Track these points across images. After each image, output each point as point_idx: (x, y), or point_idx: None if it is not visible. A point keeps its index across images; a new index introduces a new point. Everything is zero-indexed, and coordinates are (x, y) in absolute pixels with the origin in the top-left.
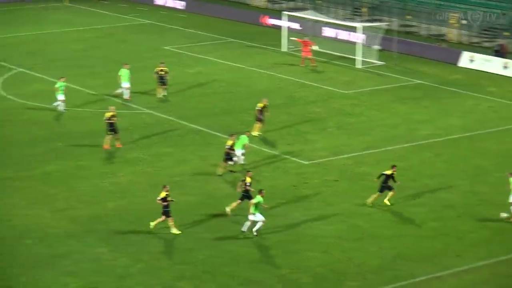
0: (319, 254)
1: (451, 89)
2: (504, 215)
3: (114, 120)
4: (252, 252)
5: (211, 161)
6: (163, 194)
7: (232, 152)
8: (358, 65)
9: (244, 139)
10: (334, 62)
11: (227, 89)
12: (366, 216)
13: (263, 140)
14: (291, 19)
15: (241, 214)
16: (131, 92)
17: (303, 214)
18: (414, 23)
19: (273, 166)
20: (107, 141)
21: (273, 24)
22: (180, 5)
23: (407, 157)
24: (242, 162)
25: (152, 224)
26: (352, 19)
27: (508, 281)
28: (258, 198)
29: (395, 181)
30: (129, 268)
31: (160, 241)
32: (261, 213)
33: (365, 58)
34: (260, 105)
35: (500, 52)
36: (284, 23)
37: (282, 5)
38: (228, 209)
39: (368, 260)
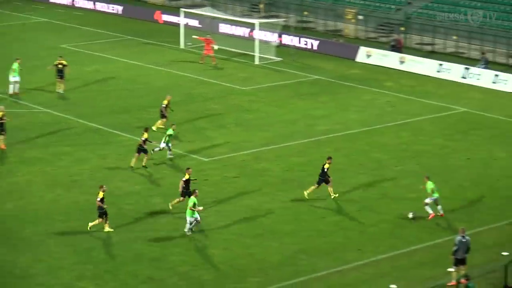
0: (220, 251)
1: (349, 84)
2: (411, 215)
3: (4, 120)
4: (153, 250)
5: (110, 160)
6: (101, 195)
7: (145, 145)
8: (256, 62)
9: (170, 132)
10: (233, 58)
11: (125, 87)
12: (266, 212)
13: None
14: (189, 16)
15: (143, 211)
16: (25, 89)
17: (203, 211)
18: (311, 19)
19: (173, 164)
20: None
21: (166, 21)
22: (77, 3)
23: (306, 152)
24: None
25: (90, 224)
26: (249, 16)
27: (408, 274)
28: (192, 199)
29: (327, 174)
30: (29, 269)
31: (60, 241)
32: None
33: (263, 55)
34: (165, 102)
35: (396, 47)
36: (179, 20)
37: (180, 1)
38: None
39: (269, 255)
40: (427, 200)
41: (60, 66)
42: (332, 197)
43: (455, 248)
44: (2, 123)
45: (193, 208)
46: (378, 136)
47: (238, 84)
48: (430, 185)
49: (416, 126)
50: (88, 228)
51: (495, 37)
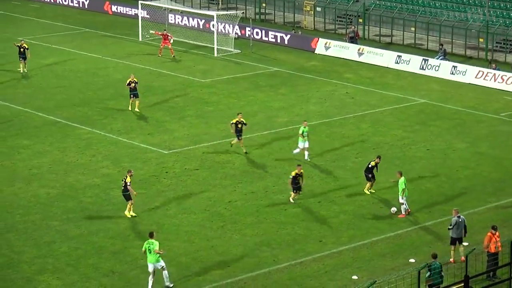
0: (182, 244)
1: (308, 76)
2: (394, 209)
3: None
4: (115, 243)
5: (70, 153)
6: (128, 180)
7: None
8: (215, 54)
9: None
10: (191, 51)
11: (84, 80)
12: (227, 204)
13: (124, 130)
14: (146, 7)
15: (103, 204)
16: None
17: (164, 204)
18: (269, 11)
19: (133, 156)
20: None
21: (116, 12)
22: None
23: (266, 144)
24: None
25: (127, 213)
26: (208, 8)
27: (369, 264)
28: (155, 244)
29: (377, 171)
30: None
31: (19, 235)
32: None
33: (222, 47)
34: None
35: (354, 39)
36: (128, 10)
37: None
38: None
39: (231, 248)
40: (402, 200)
41: (22, 49)
42: (369, 192)
43: (450, 227)
44: None
45: (158, 252)
46: (338, 127)
47: (197, 77)
48: (402, 182)
49: (375, 117)
50: (130, 216)
51: (453, 29)
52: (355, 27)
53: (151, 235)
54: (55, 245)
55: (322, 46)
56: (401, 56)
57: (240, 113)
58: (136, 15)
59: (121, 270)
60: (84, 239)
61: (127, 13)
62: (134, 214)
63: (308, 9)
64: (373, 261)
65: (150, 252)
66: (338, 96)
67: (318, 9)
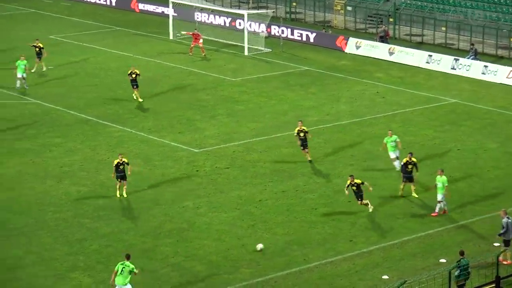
0: (212, 242)
1: (339, 75)
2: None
3: None
4: (145, 241)
5: (101, 151)
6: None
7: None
8: (246, 53)
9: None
10: (222, 50)
11: (115, 78)
12: (258, 203)
13: (155, 128)
14: (177, 6)
15: (134, 202)
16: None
17: (195, 202)
18: (300, 10)
19: (164, 155)
20: None
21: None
22: None
23: (296, 143)
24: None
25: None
26: (238, 6)
27: (400, 264)
28: (131, 266)
29: (416, 170)
30: (21, 260)
31: (50, 232)
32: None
33: (252, 45)
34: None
35: (385, 38)
36: (155, 8)
37: None
38: None
39: None
40: (439, 197)
41: (37, 48)
42: (416, 195)
43: (503, 230)
44: None
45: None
46: (368, 127)
47: (228, 75)
48: (443, 180)
49: (406, 117)
50: (124, 196)
51: (484, 28)
52: (385, 26)
53: (128, 257)
54: (86, 242)
55: (352, 46)
56: (432, 55)
57: (300, 120)
58: (163, 13)
59: (151, 268)
60: (114, 237)
61: (154, 11)
62: (125, 195)
63: (339, 8)
64: (403, 261)
65: (121, 273)
66: (369, 96)
67: (349, 8)
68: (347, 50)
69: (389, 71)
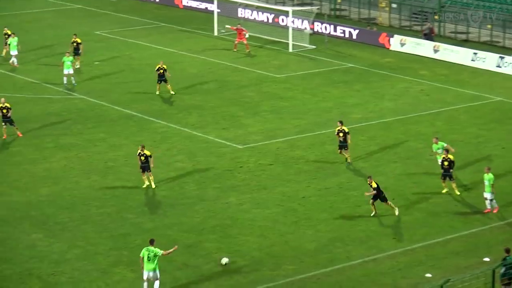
0: (255, 238)
1: (383, 72)
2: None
3: (5, 112)
4: (189, 236)
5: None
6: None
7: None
8: (290, 49)
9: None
10: (266, 46)
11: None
12: (301, 199)
13: (199, 124)
14: (221, 2)
15: (177, 198)
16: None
17: (238, 198)
18: (344, 7)
19: (208, 151)
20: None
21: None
22: None
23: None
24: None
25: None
26: (283, 3)
27: (443, 263)
28: (156, 250)
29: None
30: (65, 254)
31: (95, 227)
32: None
33: (297, 42)
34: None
35: (429, 35)
36: (199, 5)
37: None
38: None
39: (304, 243)
40: (488, 195)
41: (75, 44)
42: (457, 192)
43: None
44: (4, 114)
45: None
46: (412, 124)
47: (272, 72)
48: (490, 178)
49: (450, 115)
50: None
51: None
52: (431, 24)
53: (151, 242)
54: (130, 237)
55: (397, 43)
56: (477, 53)
57: (341, 121)
58: (207, 9)
59: (194, 264)
60: (158, 232)
61: (198, 7)
62: (154, 186)
63: (384, 6)
64: (446, 259)
65: (148, 260)
66: (413, 93)
67: (394, 5)
68: (392, 47)
69: (433, 68)
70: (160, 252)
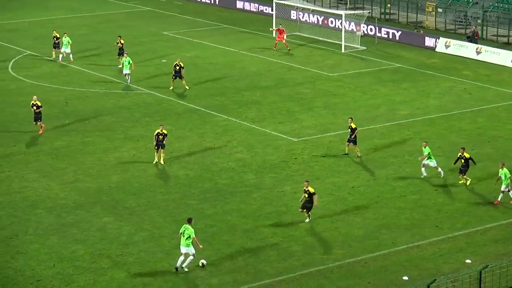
0: (308, 224)
1: (429, 72)
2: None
3: (34, 108)
4: (246, 222)
5: (207, 138)
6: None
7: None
8: (342, 50)
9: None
10: (321, 47)
11: (222, 72)
12: (351, 189)
13: (257, 118)
14: (279, 6)
15: (237, 186)
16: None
17: (293, 187)
18: (394, 11)
19: (265, 143)
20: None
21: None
22: None
23: (388, 135)
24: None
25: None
26: (336, 7)
27: (483, 250)
28: (190, 230)
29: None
30: (133, 236)
31: (161, 212)
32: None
33: (349, 43)
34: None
35: (473, 38)
36: (255, 7)
37: None
38: None
39: (353, 230)
40: (503, 188)
41: (119, 44)
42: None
43: None
44: (34, 111)
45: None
46: (455, 121)
47: (325, 71)
48: (505, 172)
49: (491, 112)
50: (162, 163)
51: None
52: (475, 27)
53: (189, 221)
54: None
55: (442, 45)
56: None
57: (351, 117)
58: (263, 11)
59: (251, 247)
60: (218, 217)
61: (257, 10)
62: (163, 162)
63: (430, 10)
64: (486, 247)
65: (183, 236)
66: (456, 92)
67: (440, 10)
68: (437, 49)
69: (476, 69)
70: (193, 234)
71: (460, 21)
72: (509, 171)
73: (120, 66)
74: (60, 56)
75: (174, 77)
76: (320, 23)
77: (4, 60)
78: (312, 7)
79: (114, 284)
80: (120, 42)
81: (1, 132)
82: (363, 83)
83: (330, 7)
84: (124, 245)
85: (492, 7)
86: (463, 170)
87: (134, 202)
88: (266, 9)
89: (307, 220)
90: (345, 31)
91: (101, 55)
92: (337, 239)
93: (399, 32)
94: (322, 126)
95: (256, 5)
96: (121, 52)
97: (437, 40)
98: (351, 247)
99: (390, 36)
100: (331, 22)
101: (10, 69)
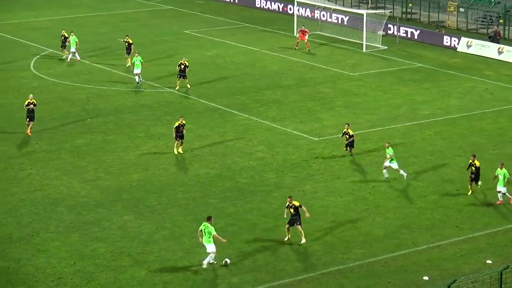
0: (328, 224)
1: (450, 72)
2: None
3: (30, 106)
4: (267, 221)
5: (228, 137)
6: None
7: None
8: (364, 49)
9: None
10: (342, 46)
11: (243, 70)
12: (371, 189)
13: (278, 117)
14: (301, 5)
15: (257, 185)
16: (150, 70)
17: (313, 186)
18: (415, 11)
19: (286, 142)
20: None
21: (258, 7)
22: None
23: (409, 135)
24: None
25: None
26: (358, 6)
27: (503, 250)
28: (210, 228)
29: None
30: (153, 235)
31: (181, 210)
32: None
33: (370, 43)
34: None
35: (495, 38)
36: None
37: None
38: None
39: (374, 229)
40: (502, 189)
41: (127, 44)
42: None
43: None
44: (29, 109)
45: (218, 238)
46: (476, 121)
47: (346, 70)
48: (504, 172)
49: None
50: (180, 152)
51: None
52: (497, 27)
53: (208, 219)
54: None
55: (464, 45)
56: None
57: (347, 123)
58: (284, 10)
59: (271, 246)
60: (239, 216)
61: (277, 9)
62: (181, 151)
63: (452, 10)
64: (507, 247)
65: (205, 234)
66: (478, 92)
67: (461, 9)
68: (459, 49)
69: (498, 69)
70: (213, 232)
71: (482, 21)
72: (508, 171)
73: (128, 65)
74: (69, 55)
75: (179, 76)
76: (340, 22)
77: (26, 58)
78: (333, 7)
79: (135, 282)
80: (128, 40)
81: (22, 130)
82: (384, 83)
83: (351, 7)
84: (145, 243)
85: None
86: (474, 178)
87: (155, 200)
88: (289, 8)
89: (303, 241)
90: (366, 31)
91: (123, 54)
92: (357, 239)
93: (421, 32)
94: (342, 126)
95: (276, 4)
96: (128, 51)
97: (459, 40)
98: (371, 247)
99: (411, 36)
100: (352, 22)
101: (32, 67)
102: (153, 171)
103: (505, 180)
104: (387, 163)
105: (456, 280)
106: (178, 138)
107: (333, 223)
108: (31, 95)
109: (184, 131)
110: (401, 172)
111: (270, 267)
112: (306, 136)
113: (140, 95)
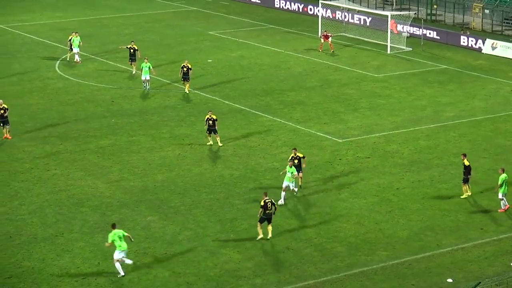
0: (352, 225)
1: (475, 74)
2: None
3: (2, 112)
4: (291, 222)
5: (252, 138)
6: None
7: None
8: (388, 51)
9: None
10: (366, 48)
11: (267, 72)
12: (395, 191)
13: (302, 119)
14: (325, 6)
15: (281, 186)
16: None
17: (337, 188)
18: (440, 12)
19: (310, 144)
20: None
21: (278, 8)
22: None
23: (433, 136)
24: None
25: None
26: (383, 8)
27: None
28: (120, 232)
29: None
30: (177, 235)
31: (205, 211)
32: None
33: (394, 44)
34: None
35: None
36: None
37: None
38: None
39: (397, 231)
40: (500, 195)
41: (131, 50)
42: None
43: None
44: (1, 114)
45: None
46: (501, 123)
47: (371, 72)
48: (502, 178)
49: None
50: (219, 145)
51: None
52: None
53: (113, 226)
54: (236, 222)
55: (488, 46)
56: None
57: (295, 148)
58: (307, 11)
59: (295, 247)
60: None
61: (302, 10)
62: (221, 144)
63: (477, 11)
64: None
65: (121, 240)
66: (503, 94)
67: (486, 11)
68: (484, 50)
69: None
70: (125, 233)
71: (507, 22)
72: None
73: (134, 72)
74: (76, 56)
75: (183, 79)
76: (361, 23)
77: (52, 58)
78: (358, 8)
79: (158, 282)
80: (133, 46)
81: (48, 131)
82: (409, 84)
83: (376, 8)
84: (169, 244)
85: None
86: (465, 178)
87: (179, 201)
88: (309, 9)
89: (269, 235)
90: (391, 32)
91: (147, 55)
92: (381, 241)
93: (446, 33)
94: (367, 127)
95: (300, 5)
96: (132, 58)
97: (484, 41)
98: (395, 249)
99: (436, 37)
100: (376, 24)
101: (57, 68)
102: (177, 172)
103: (505, 185)
104: (285, 183)
105: (480, 282)
106: (209, 132)
107: (357, 225)
108: (0, 100)
109: (216, 126)
110: (295, 190)
111: (294, 268)
112: (330, 137)
113: (164, 96)
